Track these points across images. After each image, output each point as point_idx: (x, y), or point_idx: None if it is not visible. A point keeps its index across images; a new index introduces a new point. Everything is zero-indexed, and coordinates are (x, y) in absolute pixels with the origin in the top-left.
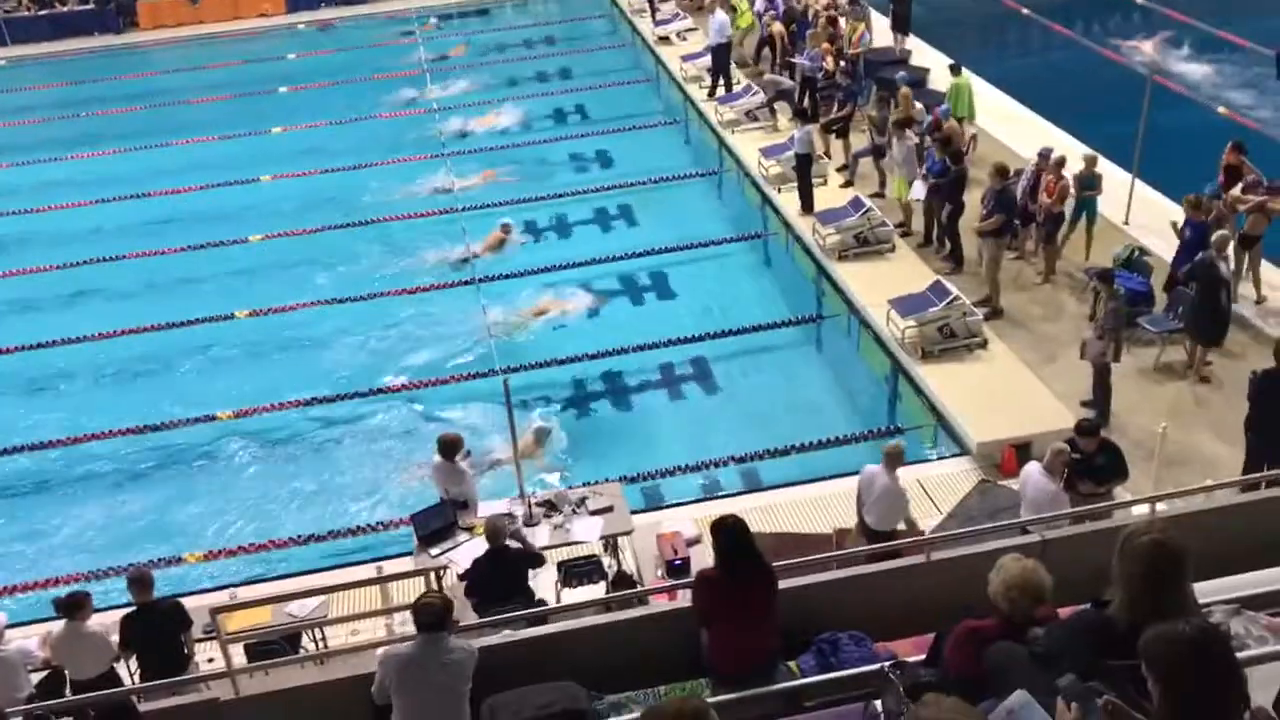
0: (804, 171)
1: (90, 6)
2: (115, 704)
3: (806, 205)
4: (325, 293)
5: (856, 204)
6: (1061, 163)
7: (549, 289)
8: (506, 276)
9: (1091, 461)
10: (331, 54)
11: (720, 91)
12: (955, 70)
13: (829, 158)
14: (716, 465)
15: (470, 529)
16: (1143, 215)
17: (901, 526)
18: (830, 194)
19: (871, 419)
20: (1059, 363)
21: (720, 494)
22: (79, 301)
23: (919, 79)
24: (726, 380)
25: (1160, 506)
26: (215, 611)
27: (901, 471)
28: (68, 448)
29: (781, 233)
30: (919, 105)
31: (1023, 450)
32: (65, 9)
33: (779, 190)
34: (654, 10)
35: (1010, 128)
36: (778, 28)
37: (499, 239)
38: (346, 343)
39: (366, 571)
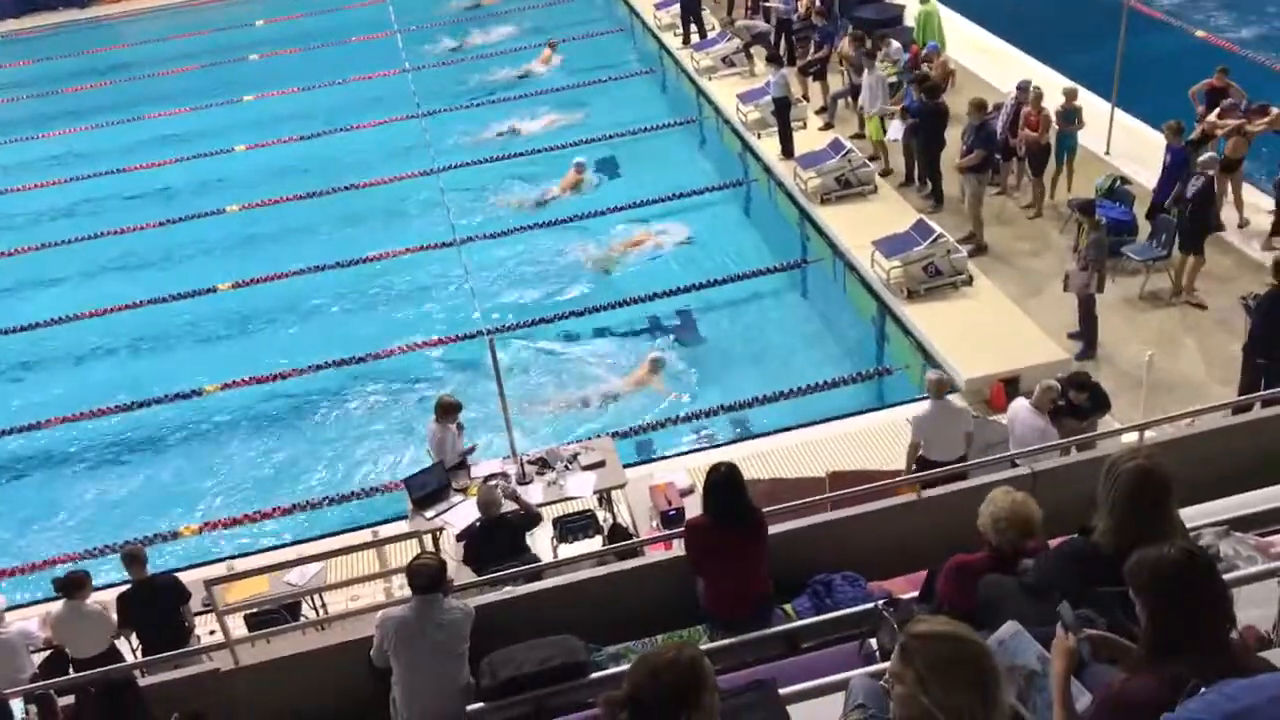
0: (783, 116)
1: None
2: (116, 681)
3: (786, 150)
4: (306, 260)
5: (837, 146)
6: (1040, 95)
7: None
8: (487, 236)
9: (1076, 404)
10: (299, 19)
11: (695, 38)
12: None
13: (807, 100)
14: (707, 415)
15: (464, 490)
16: (1124, 144)
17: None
18: (810, 137)
19: (860, 361)
20: (1044, 296)
21: (712, 444)
22: (58, 282)
23: (894, 16)
24: (714, 329)
25: (1149, 434)
26: (210, 583)
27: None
28: (55, 428)
29: (763, 179)
30: (895, 43)
31: (1011, 385)
32: None
33: (759, 136)
34: None
35: (986, 61)
36: None
37: (574, 179)
38: (331, 309)
39: (362, 536)
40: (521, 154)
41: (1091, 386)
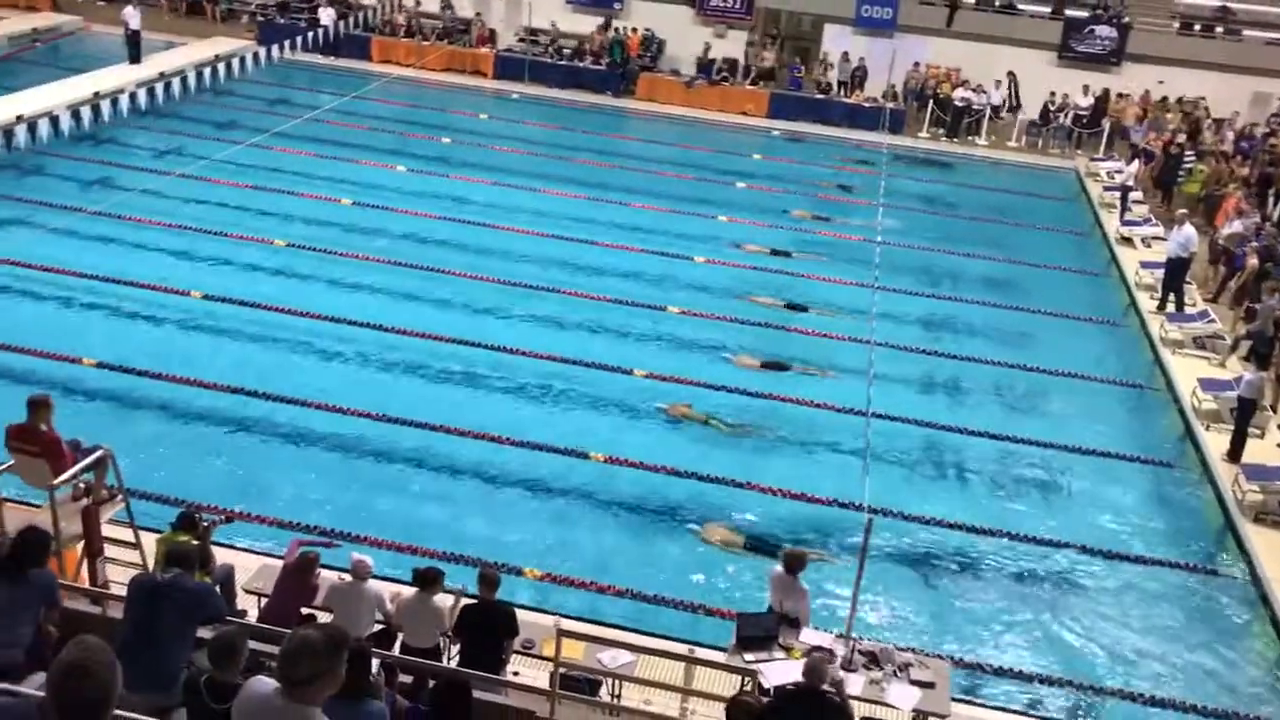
0: (1244, 417)
1: (602, 68)
2: (461, 681)
3: (1235, 453)
4: (722, 378)
5: None
6: None
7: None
8: (894, 419)
9: None
10: (792, 163)
11: (1170, 308)
12: None
13: (1275, 412)
14: (1048, 683)
15: (788, 649)
16: None
17: None
18: (1265, 449)
19: (1240, 701)
20: None
21: (1043, 714)
22: (503, 313)
23: None
24: (1083, 600)
25: None
26: (562, 633)
27: None
28: (468, 440)
29: (1196, 470)
30: None
31: None
32: (582, 64)
33: (1207, 427)
34: (1125, 209)
35: None
36: (1253, 262)
37: None
38: (722, 430)
39: (679, 648)
40: (952, 356)
41: None
